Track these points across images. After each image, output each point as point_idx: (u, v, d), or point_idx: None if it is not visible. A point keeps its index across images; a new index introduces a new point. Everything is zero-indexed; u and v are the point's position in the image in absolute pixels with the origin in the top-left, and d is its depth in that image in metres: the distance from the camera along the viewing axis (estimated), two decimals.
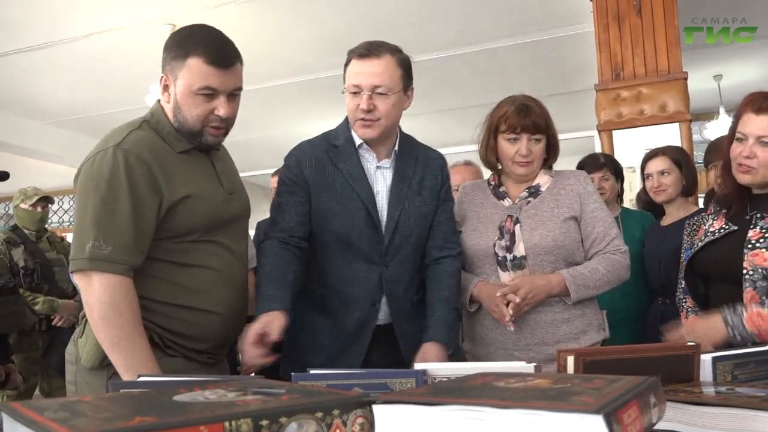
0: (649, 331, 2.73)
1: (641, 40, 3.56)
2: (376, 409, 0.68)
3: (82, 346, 1.58)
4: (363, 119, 1.80)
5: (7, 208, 9.41)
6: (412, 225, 1.88)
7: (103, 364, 1.53)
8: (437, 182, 1.96)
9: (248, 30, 4.78)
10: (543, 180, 2.00)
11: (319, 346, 1.84)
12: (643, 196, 2.97)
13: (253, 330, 1.57)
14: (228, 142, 3.09)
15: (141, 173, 1.51)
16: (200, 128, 1.60)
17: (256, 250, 2.01)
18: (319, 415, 0.64)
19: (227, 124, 1.63)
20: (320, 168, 1.85)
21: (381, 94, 1.78)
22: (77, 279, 1.51)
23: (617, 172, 3.00)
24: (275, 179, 3.11)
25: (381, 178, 1.89)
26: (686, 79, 3.51)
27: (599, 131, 3.69)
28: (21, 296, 2.91)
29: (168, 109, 1.63)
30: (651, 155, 2.79)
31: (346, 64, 1.84)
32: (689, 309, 1.98)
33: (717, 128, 6.18)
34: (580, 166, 2.98)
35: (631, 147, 3.65)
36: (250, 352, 1.57)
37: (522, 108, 1.92)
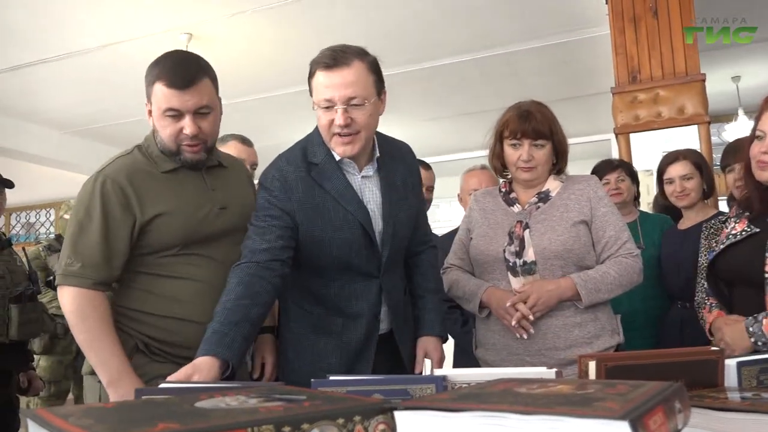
0: (668, 335, 2.70)
1: (658, 42, 3.53)
2: (398, 415, 0.68)
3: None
4: (341, 135, 1.67)
5: (28, 217, 9.53)
6: (404, 233, 1.86)
7: (91, 369, 1.68)
8: (414, 175, 1.94)
9: (263, 38, 4.82)
10: (553, 185, 2.00)
11: (327, 368, 1.73)
12: (661, 200, 2.93)
13: (173, 377, 1.40)
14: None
15: (115, 197, 1.66)
16: (175, 147, 1.71)
17: None
18: (341, 421, 0.64)
19: (201, 140, 1.72)
20: (308, 192, 1.72)
21: (356, 105, 1.64)
22: (58, 294, 1.69)
23: (632, 175, 2.98)
24: None
25: (368, 188, 1.80)
26: (704, 80, 3.46)
27: (616, 134, 3.66)
28: (39, 303, 2.96)
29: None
30: (671, 159, 2.75)
31: (311, 76, 1.69)
32: (712, 305, 1.95)
33: (736, 130, 6.10)
34: (594, 171, 2.97)
35: (648, 150, 3.62)
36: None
37: (523, 114, 1.93)
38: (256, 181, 2.01)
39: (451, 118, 6.74)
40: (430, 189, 3.12)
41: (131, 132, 5.61)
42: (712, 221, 2.34)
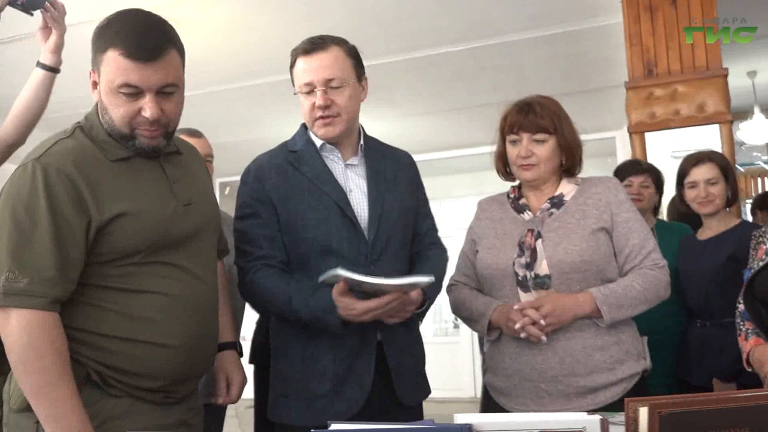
0: (687, 357, 2.64)
1: (676, 33, 3.47)
2: None
3: (11, 385, 1.48)
4: (322, 117, 1.81)
5: None
6: (395, 220, 1.87)
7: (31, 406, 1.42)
8: (411, 178, 2.00)
9: (242, 24, 4.70)
10: (567, 189, 1.94)
11: (321, 372, 1.79)
12: (680, 206, 2.85)
13: (337, 291, 1.68)
14: (217, 144, 2.98)
15: (63, 191, 1.41)
16: (129, 130, 1.49)
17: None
18: None
19: (162, 125, 1.51)
20: (282, 176, 1.84)
21: (335, 87, 1.80)
22: None
23: (658, 183, 2.93)
24: None
25: (352, 176, 1.89)
26: (726, 75, 3.42)
27: (630, 133, 3.60)
28: None
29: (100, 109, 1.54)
30: (695, 161, 2.67)
31: (292, 66, 1.86)
32: (749, 331, 1.89)
33: (751, 129, 6.09)
34: (618, 170, 2.93)
35: (654, 150, 3.56)
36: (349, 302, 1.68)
37: (523, 106, 1.90)
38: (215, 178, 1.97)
39: (444, 112, 6.65)
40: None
41: None
42: (762, 229, 2.25)
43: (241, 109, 6.31)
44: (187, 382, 1.60)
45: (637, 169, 2.89)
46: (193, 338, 1.55)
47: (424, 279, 1.70)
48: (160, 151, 1.56)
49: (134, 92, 1.46)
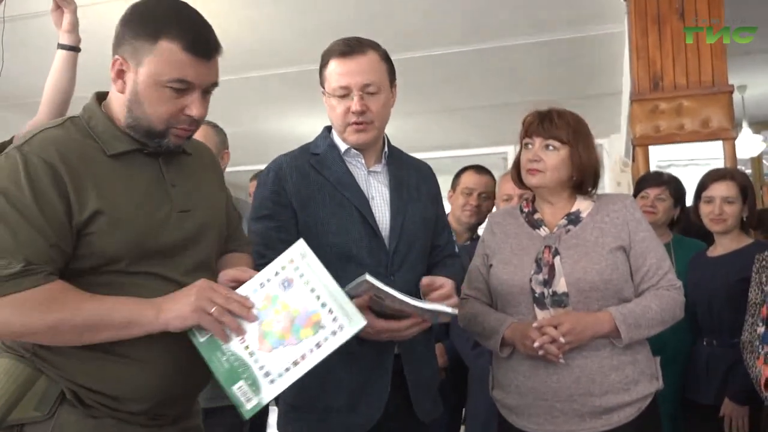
0: (695, 376, 2.63)
1: (683, 47, 3.48)
2: None
3: None
4: (356, 123, 1.78)
5: None
6: (417, 230, 1.86)
7: (2, 426, 1.28)
8: (432, 190, 1.99)
9: (233, 16, 4.61)
10: (583, 205, 1.93)
11: (336, 384, 1.74)
12: (693, 218, 2.78)
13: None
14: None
15: (46, 177, 1.28)
16: (164, 128, 1.39)
17: None
18: None
19: (198, 125, 1.45)
20: (303, 177, 1.81)
21: (371, 93, 1.77)
22: None
23: (677, 195, 2.89)
24: (254, 183, 2.98)
25: (375, 183, 1.86)
26: (732, 92, 3.44)
27: (634, 146, 3.60)
28: None
29: (118, 101, 1.41)
30: (717, 176, 2.65)
31: (323, 67, 1.82)
32: None
33: (739, 144, 6.13)
34: (640, 181, 2.92)
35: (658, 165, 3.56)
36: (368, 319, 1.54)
37: (542, 113, 1.91)
38: None
39: (438, 113, 6.63)
40: (489, 196, 3.01)
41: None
42: (766, 253, 2.25)
43: (225, 103, 6.19)
44: (177, 403, 1.45)
45: (656, 181, 2.87)
46: (178, 356, 1.38)
47: (448, 310, 1.66)
48: (177, 150, 1.48)
49: (184, 88, 1.37)
